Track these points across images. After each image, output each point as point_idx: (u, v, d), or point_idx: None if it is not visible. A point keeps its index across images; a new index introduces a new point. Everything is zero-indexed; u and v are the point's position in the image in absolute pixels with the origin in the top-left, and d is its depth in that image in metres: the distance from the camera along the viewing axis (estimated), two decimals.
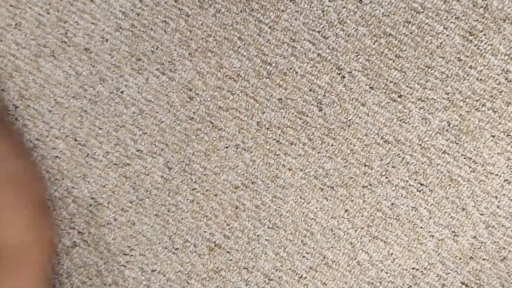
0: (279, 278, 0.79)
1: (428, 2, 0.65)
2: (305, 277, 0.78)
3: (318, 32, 0.70)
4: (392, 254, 0.72)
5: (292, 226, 0.77)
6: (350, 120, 0.70)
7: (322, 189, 0.74)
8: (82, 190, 0.82)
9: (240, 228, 0.79)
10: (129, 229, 0.82)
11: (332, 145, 0.72)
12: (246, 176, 0.78)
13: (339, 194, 0.73)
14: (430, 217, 0.70)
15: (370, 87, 0.69)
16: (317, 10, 0.70)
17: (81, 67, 0.78)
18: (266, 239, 0.78)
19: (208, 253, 0.82)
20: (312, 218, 0.75)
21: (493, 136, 0.66)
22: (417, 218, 0.70)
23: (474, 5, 0.64)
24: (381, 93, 0.68)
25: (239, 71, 0.75)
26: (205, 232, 0.81)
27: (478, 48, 0.65)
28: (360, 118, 0.70)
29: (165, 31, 0.76)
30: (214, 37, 0.75)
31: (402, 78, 0.68)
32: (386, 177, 0.71)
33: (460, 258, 0.70)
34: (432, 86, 0.67)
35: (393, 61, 0.68)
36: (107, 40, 0.77)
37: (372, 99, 0.69)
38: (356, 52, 0.69)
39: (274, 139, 0.75)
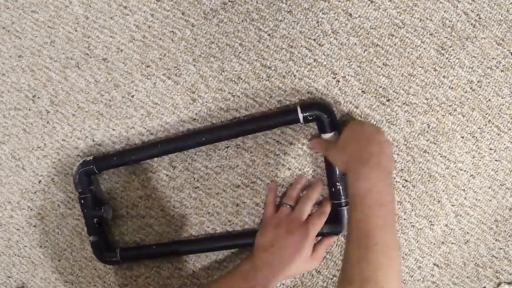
0: None
1: (407, 19, 0.74)
2: (303, 274, 0.82)
3: (314, 40, 0.75)
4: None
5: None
6: (344, 121, 0.76)
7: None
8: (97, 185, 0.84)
9: (241, 224, 0.81)
10: (140, 221, 0.84)
11: None
12: (246, 175, 0.80)
13: None
14: (412, 210, 0.78)
15: (362, 91, 0.76)
16: (312, 20, 0.75)
17: (99, 75, 0.82)
18: None
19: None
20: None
21: (462, 137, 0.76)
22: (402, 211, 0.78)
23: (443, 24, 0.74)
24: (372, 96, 0.75)
25: (240, 74, 0.78)
26: (207, 227, 0.82)
27: (449, 61, 0.74)
28: (354, 119, 0.76)
29: (172, 40, 0.79)
30: (217, 44, 0.78)
31: (389, 84, 0.75)
32: None
33: (434, 244, 0.79)
34: (414, 92, 0.75)
35: (381, 68, 0.75)
36: (122, 50, 0.81)
37: (364, 102, 0.76)
38: (349, 59, 0.75)
39: (274, 139, 0.78)
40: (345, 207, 0.74)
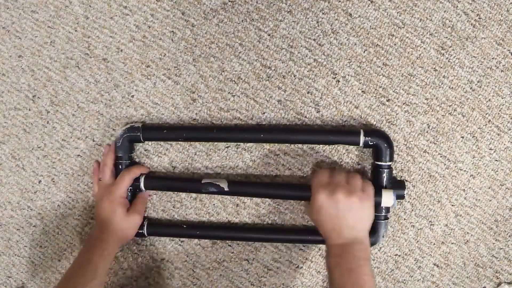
0: (277, 268, 0.82)
1: (407, 19, 0.74)
2: (301, 267, 0.82)
3: (314, 40, 0.75)
4: (379, 243, 0.78)
5: (290, 222, 0.80)
6: (345, 121, 0.76)
7: None
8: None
9: (241, 224, 0.81)
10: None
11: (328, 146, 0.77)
12: (246, 175, 0.80)
13: None
14: (412, 210, 0.78)
15: (362, 91, 0.76)
16: (312, 21, 0.75)
17: (99, 75, 0.82)
18: None
19: (211, 246, 0.84)
20: None
21: (462, 137, 0.76)
22: (402, 211, 0.78)
23: (443, 24, 0.74)
24: (372, 96, 0.75)
25: (240, 74, 0.78)
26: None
27: (449, 61, 0.74)
28: (354, 119, 0.76)
29: (172, 40, 0.79)
30: (217, 44, 0.78)
31: (389, 84, 0.75)
32: None
33: (434, 244, 0.79)
34: (414, 92, 0.75)
35: (381, 68, 0.75)
36: (122, 50, 0.81)
37: (364, 102, 0.76)
38: (349, 59, 0.75)
39: None
40: (383, 221, 0.75)
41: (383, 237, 0.76)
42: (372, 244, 0.75)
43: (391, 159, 0.73)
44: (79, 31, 0.81)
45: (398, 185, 0.73)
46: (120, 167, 0.78)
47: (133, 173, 0.78)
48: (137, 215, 0.78)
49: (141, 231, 0.80)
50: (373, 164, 0.75)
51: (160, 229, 0.82)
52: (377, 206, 0.72)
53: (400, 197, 0.73)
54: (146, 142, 0.81)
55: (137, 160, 0.82)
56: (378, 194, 0.71)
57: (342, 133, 0.75)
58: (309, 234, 0.78)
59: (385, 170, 0.73)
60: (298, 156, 0.78)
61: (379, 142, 0.72)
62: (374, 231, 0.75)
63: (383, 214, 0.74)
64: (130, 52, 0.80)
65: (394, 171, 0.77)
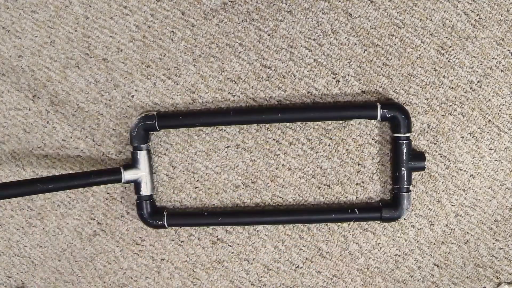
0: (278, 268, 0.82)
1: (407, 19, 0.74)
2: (301, 267, 0.82)
3: (314, 40, 0.75)
4: (379, 243, 0.79)
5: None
6: (345, 121, 0.76)
7: (319, 187, 0.79)
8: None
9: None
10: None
11: (329, 145, 0.77)
12: (246, 175, 0.80)
13: (334, 191, 0.79)
14: (412, 210, 0.78)
15: (362, 91, 0.76)
16: (312, 21, 0.75)
17: (99, 75, 0.82)
18: (265, 234, 0.81)
19: (211, 246, 0.84)
20: None
21: (462, 137, 0.76)
22: None
23: (443, 24, 0.74)
24: (372, 97, 0.76)
25: (240, 74, 0.78)
26: (207, 227, 0.83)
27: (449, 61, 0.74)
28: (354, 119, 0.76)
29: (172, 40, 0.79)
30: (216, 44, 0.78)
31: (389, 84, 0.75)
32: (377, 175, 0.77)
33: (434, 244, 0.79)
34: (414, 92, 0.75)
35: (381, 68, 0.75)
36: (122, 50, 0.81)
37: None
38: (349, 59, 0.75)
39: (274, 139, 0.78)
40: (405, 193, 0.75)
41: (407, 210, 0.76)
42: (397, 218, 0.76)
43: (409, 131, 0.74)
44: (79, 31, 0.81)
45: (418, 157, 0.74)
46: (137, 156, 0.77)
47: None
48: None
49: (161, 222, 0.79)
50: (391, 137, 0.76)
51: (180, 219, 0.81)
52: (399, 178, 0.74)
53: (419, 168, 0.74)
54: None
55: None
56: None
57: (359, 107, 0.75)
58: (334, 213, 0.78)
59: (404, 142, 0.73)
60: (298, 156, 0.78)
61: (397, 114, 0.73)
62: (397, 204, 0.75)
63: (405, 186, 0.75)
64: (130, 52, 0.80)
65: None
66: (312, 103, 0.77)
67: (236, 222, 0.80)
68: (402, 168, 0.74)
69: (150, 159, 0.78)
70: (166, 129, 0.79)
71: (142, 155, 0.77)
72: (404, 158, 0.73)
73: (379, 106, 0.73)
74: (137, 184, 0.78)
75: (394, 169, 0.75)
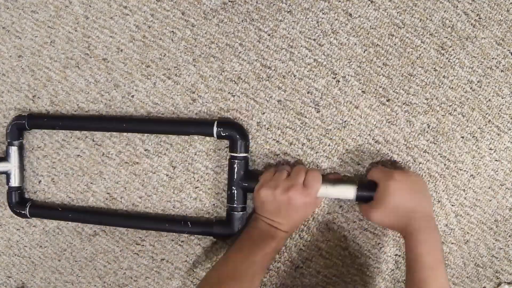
0: (278, 268, 0.82)
1: (407, 19, 0.74)
2: (301, 267, 0.82)
3: (314, 40, 0.75)
4: (379, 243, 0.78)
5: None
6: (345, 121, 0.76)
7: None
8: (99, 185, 0.85)
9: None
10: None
11: (329, 145, 0.77)
12: None
13: None
14: None
15: (362, 91, 0.76)
16: (312, 21, 0.75)
17: (99, 75, 0.82)
18: None
19: (211, 246, 0.84)
20: None
21: (462, 137, 0.76)
22: None
23: (443, 24, 0.74)
24: (372, 97, 0.75)
25: (240, 74, 0.78)
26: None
27: (449, 61, 0.74)
28: (354, 119, 0.76)
29: (172, 40, 0.80)
30: (216, 44, 0.78)
31: (389, 84, 0.75)
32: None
33: None
34: (414, 92, 0.75)
35: (381, 68, 0.75)
36: (122, 50, 0.81)
37: (364, 102, 0.76)
38: (349, 59, 0.75)
39: (274, 139, 0.78)
40: (239, 212, 0.76)
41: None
42: (230, 235, 0.78)
43: (247, 151, 0.76)
44: (79, 31, 0.81)
45: (369, 186, 0.72)
46: (9, 151, 0.83)
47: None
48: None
49: (23, 212, 0.84)
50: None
51: (41, 211, 0.85)
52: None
53: (365, 198, 0.72)
54: (146, 142, 0.82)
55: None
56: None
57: (198, 124, 0.78)
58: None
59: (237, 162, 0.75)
60: (298, 156, 0.78)
61: (232, 133, 0.75)
62: (229, 222, 0.78)
63: (239, 206, 0.76)
64: (130, 52, 0.80)
65: None
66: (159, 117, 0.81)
67: (84, 220, 0.85)
68: (233, 188, 0.76)
69: (21, 154, 0.84)
70: (35, 128, 0.83)
71: (13, 150, 0.83)
72: (235, 177, 0.75)
73: (215, 124, 0.75)
74: (7, 175, 0.84)
75: (228, 187, 0.77)
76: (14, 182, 0.84)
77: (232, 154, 0.75)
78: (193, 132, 0.77)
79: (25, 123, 0.81)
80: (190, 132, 0.77)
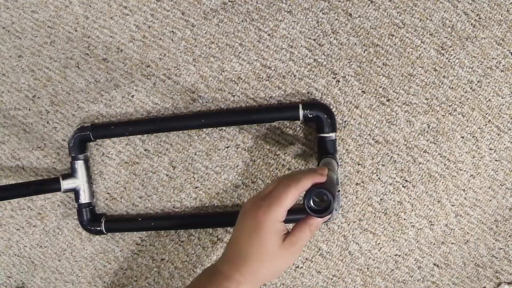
0: None
1: (407, 19, 0.74)
2: (301, 267, 0.82)
3: (314, 40, 0.75)
4: (379, 243, 0.78)
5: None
6: (345, 121, 0.76)
7: None
8: (99, 185, 0.85)
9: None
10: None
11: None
12: (246, 175, 0.80)
13: None
14: (412, 210, 0.78)
15: (362, 91, 0.76)
16: (312, 21, 0.75)
17: (99, 75, 0.82)
18: None
19: (211, 246, 0.84)
20: None
21: (463, 137, 0.76)
22: (402, 211, 0.78)
23: (443, 24, 0.74)
24: (372, 96, 0.75)
25: (240, 74, 0.78)
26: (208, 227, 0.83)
27: (449, 61, 0.74)
28: (354, 119, 0.76)
29: (172, 40, 0.80)
30: (216, 44, 0.78)
31: (389, 84, 0.75)
32: (377, 175, 0.77)
33: (433, 244, 0.79)
34: (414, 92, 0.75)
35: (381, 68, 0.75)
36: (122, 50, 0.81)
37: (364, 102, 0.76)
38: (349, 59, 0.75)
39: (274, 139, 0.79)
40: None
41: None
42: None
43: (334, 129, 0.74)
44: (79, 31, 0.81)
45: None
46: (75, 166, 0.80)
47: (302, 185, 0.58)
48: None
49: (99, 228, 0.81)
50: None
51: (118, 224, 0.83)
52: None
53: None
54: (146, 142, 0.82)
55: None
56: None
57: (281, 109, 0.75)
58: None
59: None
60: (298, 156, 0.78)
61: (319, 114, 0.73)
62: None
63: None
64: (130, 52, 0.80)
65: (394, 171, 0.77)
66: (236, 108, 0.79)
67: (169, 227, 0.83)
68: None
69: (87, 168, 0.81)
70: (100, 139, 0.82)
71: (79, 165, 0.80)
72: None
73: (300, 106, 0.73)
74: (76, 192, 0.81)
75: None
76: (85, 198, 0.81)
77: (321, 135, 0.73)
78: (278, 118, 0.75)
79: (90, 134, 0.79)
80: (275, 119, 0.75)
